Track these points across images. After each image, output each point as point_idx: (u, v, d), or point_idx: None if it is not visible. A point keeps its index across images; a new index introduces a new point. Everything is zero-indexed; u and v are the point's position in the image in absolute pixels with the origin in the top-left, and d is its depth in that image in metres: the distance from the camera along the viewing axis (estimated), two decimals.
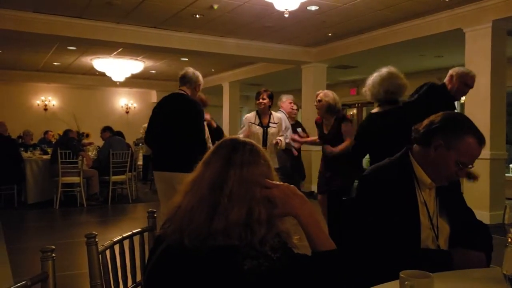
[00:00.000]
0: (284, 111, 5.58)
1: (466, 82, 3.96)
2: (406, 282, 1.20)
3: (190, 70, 4.31)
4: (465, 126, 1.72)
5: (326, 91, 4.79)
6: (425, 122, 1.80)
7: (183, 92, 4.19)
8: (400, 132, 2.97)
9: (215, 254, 1.16)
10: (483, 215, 5.94)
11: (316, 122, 4.95)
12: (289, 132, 5.25)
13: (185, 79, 4.24)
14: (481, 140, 1.70)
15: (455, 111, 3.65)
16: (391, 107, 3.52)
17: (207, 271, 1.16)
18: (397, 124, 3.10)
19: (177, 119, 4.03)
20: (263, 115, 5.03)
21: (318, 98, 4.70)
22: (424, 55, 9.03)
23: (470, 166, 1.73)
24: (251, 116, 5.09)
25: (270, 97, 5.02)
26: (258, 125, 4.98)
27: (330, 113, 4.67)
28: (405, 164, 1.83)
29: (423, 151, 1.79)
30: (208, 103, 5.06)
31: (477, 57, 6.40)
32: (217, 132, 5.27)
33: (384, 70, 3.44)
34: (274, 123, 5.04)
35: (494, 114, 6.22)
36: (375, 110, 3.71)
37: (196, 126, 4.03)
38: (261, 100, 4.97)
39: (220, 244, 1.17)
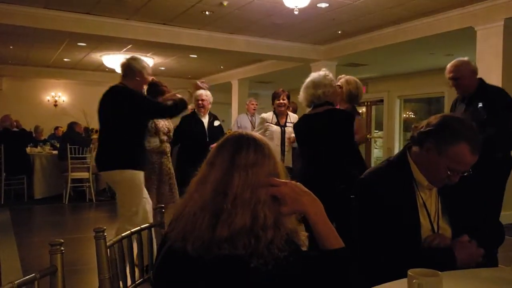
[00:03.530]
0: (248, 113, 6.34)
1: (448, 77, 3.91)
2: (414, 281, 1.20)
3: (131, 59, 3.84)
4: (460, 132, 1.64)
5: (349, 76, 4.18)
6: (425, 122, 1.76)
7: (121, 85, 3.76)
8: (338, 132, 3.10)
9: (220, 262, 1.15)
10: None
11: None
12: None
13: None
14: (474, 149, 1.63)
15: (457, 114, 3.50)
16: (326, 108, 3.30)
17: (213, 276, 1.15)
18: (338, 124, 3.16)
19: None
20: (280, 115, 5.07)
21: (339, 83, 4.10)
22: (434, 54, 8.95)
23: (464, 173, 1.67)
24: (268, 116, 5.11)
25: (288, 97, 5.10)
26: (276, 124, 5.02)
27: (348, 104, 4.08)
28: (403, 165, 1.81)
29: (419, 152, 1.76)
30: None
31: (488, 55, 6.33)
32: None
33: (311, 78, 3.32)
34: (291, 122, 5.07)
35: None
36: (309, 111, 3.43)
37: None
38: (281, 101, 5.01)
39: (225, 253, 1.14)
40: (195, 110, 5.32)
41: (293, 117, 5.17)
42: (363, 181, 1.85)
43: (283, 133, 5.01)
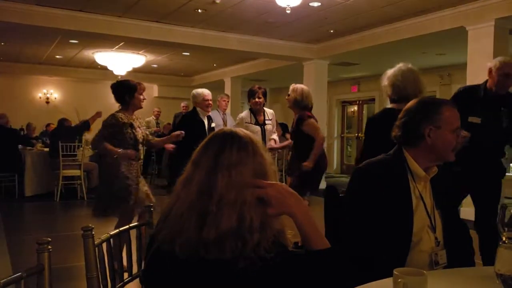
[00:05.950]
0: (219, 110, 6.35)
1: (505, 72, 3.45)
2: (399, 280, 1.20)
3: None
4: (435, 102, 1.86)
5: (298, 85, 4.50)
6: (399, 125, 1.87)
7: None
8: None
9: (208, 264, 1.15)
10: None
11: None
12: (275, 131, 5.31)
13: None
14: (449, 102, 1.86)
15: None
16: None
17: (201, 278, 1.16)
18: None
19: None
20: (258, 113, 4.99)
21: (289, 91, 4.50)
22: (426, 53, 8.99)
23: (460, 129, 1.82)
24: (245, 115, 5.02)
25: (264, 94, 5.00)
26: (255, 124, 4.93)
27: (297, 109, 4.44)
28: (399, 158, 1.85)
29: (418, 146, 1.81)
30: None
31: (479, 55, 6.37)
32: None
33: (409, 67, 3.31)
34: (269, 119, 5.03)
35: None
36: (392, 106, 3.28)
37: None
38: (257, 100, 4.91)
39: (212, 258, 1.14)
40: (198, 109, 5.28)
41: (269, 113, 5.11)
42: (361, 168, 1.90)
43: (263, 131, 4.95)
